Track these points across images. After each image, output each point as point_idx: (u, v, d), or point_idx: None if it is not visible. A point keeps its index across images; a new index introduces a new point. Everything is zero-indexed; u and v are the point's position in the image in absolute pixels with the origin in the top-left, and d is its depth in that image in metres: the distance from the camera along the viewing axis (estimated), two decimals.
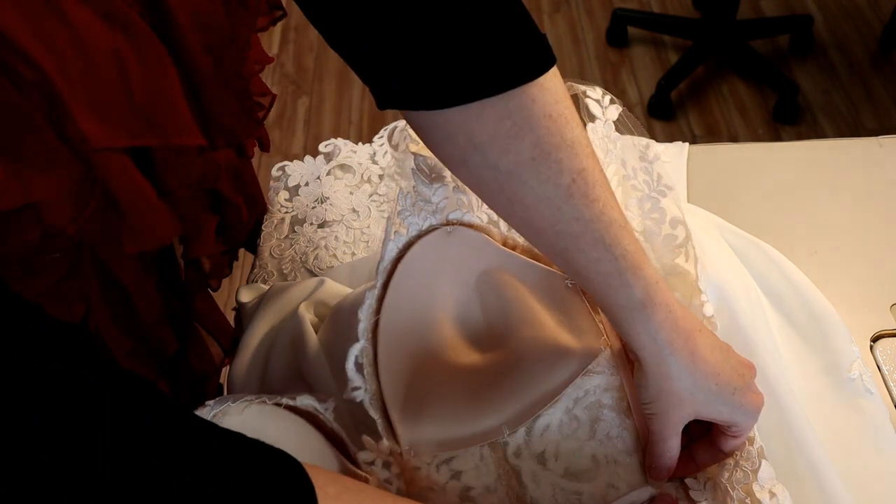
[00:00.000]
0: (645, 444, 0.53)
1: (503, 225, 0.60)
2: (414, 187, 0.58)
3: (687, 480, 0.54)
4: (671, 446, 0.51)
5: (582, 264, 0.48)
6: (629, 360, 0.55)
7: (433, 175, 0.58)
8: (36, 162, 0.37)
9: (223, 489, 0.32)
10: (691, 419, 0.51)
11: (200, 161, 0.47)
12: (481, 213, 0.60)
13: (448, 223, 0.59)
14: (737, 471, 0.51)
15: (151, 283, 0.49)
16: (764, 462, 0.51)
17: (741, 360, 0.52)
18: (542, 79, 0.45)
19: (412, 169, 0.58)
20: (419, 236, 0.59)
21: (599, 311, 0.57)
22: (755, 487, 0.50)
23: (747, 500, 0.50)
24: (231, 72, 0.46)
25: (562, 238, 0.48)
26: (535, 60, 0.46)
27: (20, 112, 0.36)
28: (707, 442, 0.53)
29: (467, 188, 0.59)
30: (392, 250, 0.58)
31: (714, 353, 0.49)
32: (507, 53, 0.44)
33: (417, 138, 0.58)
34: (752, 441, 0.52)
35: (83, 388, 0.32)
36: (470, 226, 0.60)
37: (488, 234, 0.60)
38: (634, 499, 0.51)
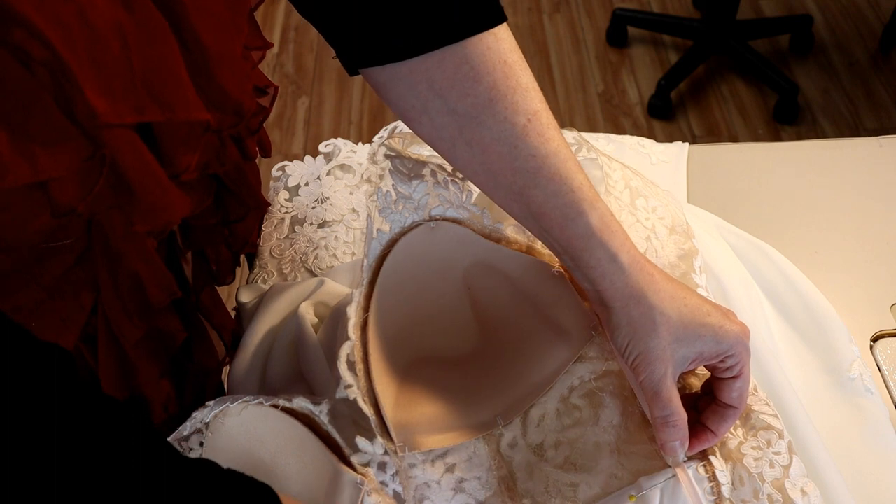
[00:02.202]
0: (652, 422, 0.52)
1: (486, 218, 0.60)
2: (393, 186, 0.59)
3: (711, 458, 0.52)
4: (673, 406, 0.50)
5: (540, 200, 0.50)
6: (600, 320, 0.54)
7: (412, 175, 0.59)
8: (43, 139, 0.37)
9: None
10: (678, 365, 0.50)
11: (204, 142, 0.47)
12: (463, 209, 0.60)
13: (431, 219, 0.59)
14: (766, 462, 0.50)
15: (161, 265, 0.49)
16: (795, 458, 0.50)
17: (714, 302, 0.52)
18: (496, 30, 0.49)
19: (389, 171, 0.59)
20: (402, 233, 0.59)
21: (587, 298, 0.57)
22: (787, 485, 0.49)
23: (778, 497, 0.49)
24: (233, 49, 0.47)
25: (520, 176, 0.50)
26: (490, 13, 0.49)
27: (27, 90, 0.36)
28: (714, 405, 0.52)
29: (448, 182, 0.59)
30: (376, 248, 0.58)
31: (673, 281, 0.51)
32: (464, 6, 0.48)
33: (396, 145, 0.59)
34: (781, 434, 0.51)
35: (68, 410, 0.32)
36: (453, 220, 0.60)
37: (472, 228, 0.60)
38: (643, 486, 0.50)
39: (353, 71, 0.53)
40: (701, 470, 0.52)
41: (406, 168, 0.59)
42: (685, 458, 0.51)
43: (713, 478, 0.51)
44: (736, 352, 0.50)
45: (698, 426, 0.52)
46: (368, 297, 0.57)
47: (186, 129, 0.45)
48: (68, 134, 0.38)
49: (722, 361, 0.50)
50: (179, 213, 0.47)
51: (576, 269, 0.52)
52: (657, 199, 0.65)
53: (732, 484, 0.51)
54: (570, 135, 0.66)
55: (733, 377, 0.50)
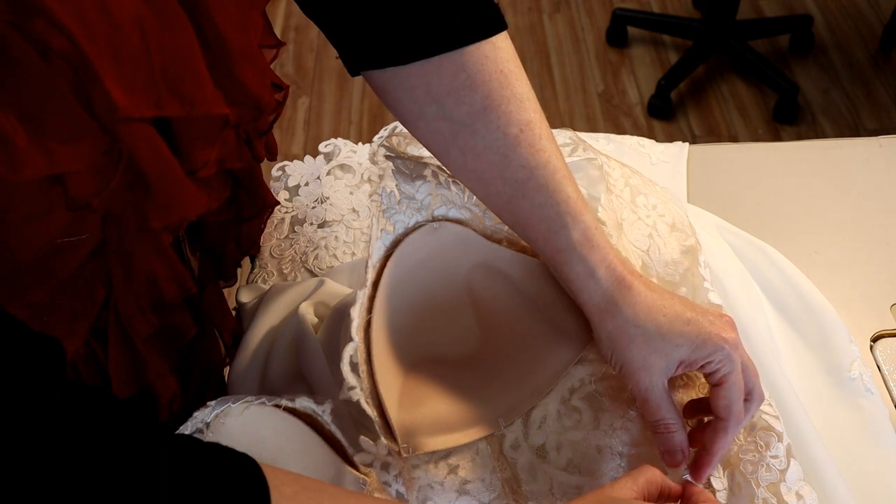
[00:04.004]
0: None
1: (488, 219, 0.61)
2: (397, 185, 0.59)
3: None
4: (663, 411, 0.50)
5: (526, 211, 0.51)
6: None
7: (414, 175, 0.59)
8: (60, 132, 0.37)
9: (179, 489, 0.33)
10: (664, 372, 0.49)
11: (223, 137, 0.47)
12: (465, 209, 0.60)
13: (434, 219, 0.60)
14: (762, 466, 0.50)
15: (177, 261, 0.49)
16: (793, 461, 0.50)
17: (704, 308, 0.51)
18: (494, 39, 0.50)
19: (392, 171, 0.59)
20: (406, 234, 0.59)
21: None
22: (783, 488, 0.50)
23: (773, 501, 0.49)
24: (251, 43, 0.46)
25: (509, 185, 0.51)
26: (489, 22, 0.50)
27: (46, 82, 0.35)
28: (710, 415, 0.51)
29: (450, 183, 0.59)
30: (380, 249, 0.58)
31: (656, 291, 0.51)
32: (463, 14, 0.49)
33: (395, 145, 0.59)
34: (780, 437, 0.51)
35: (68, 408, 0.33)
36: (456, 221, 0.60)
37: (474, 229, 0.60)
38: None
39: (354, 72, 0.53)
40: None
41: (408, 169, 0.59)
42: (684, 473, 0.51)
43: (708, 484, 0.51)
44: (715, 360, 0.49)
45: (698, 442, 0.51)
46: (372, 298, 0.57)
47: (205, 124, 0.44)
48: (86, 128, 0.37)
49: (703, 368, 0.50)
50: (195, 209, 0.46)
51: (560, 280, 0.53)
52: (657, 197, 0.65)
53: (731, 490, 0.51)
54: (567, 134, 0.66)
55: (717, 384, 0.50)
